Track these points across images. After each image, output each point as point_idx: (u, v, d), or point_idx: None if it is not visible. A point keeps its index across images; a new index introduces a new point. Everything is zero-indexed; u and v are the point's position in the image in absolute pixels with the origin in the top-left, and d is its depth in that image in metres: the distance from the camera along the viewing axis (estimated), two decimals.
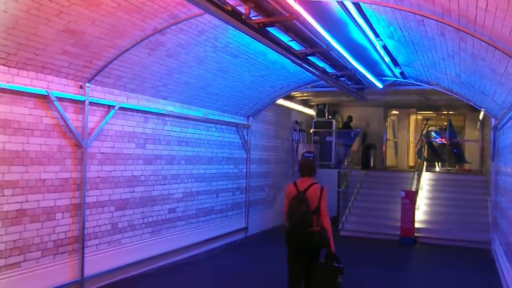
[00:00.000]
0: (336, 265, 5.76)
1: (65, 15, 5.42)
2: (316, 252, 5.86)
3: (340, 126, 17.28)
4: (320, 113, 16.73)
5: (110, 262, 7.53)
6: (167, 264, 8.84)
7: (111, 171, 7.58)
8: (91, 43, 6.18)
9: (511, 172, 7.54)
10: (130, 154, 7.97)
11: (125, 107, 7.74)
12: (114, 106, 7.45)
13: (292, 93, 13.04)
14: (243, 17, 5.71)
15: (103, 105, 7.30)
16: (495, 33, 4.79)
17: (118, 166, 7.73)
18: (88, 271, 7.06)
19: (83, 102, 6.90)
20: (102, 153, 7.39)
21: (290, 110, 14.91)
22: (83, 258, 6.97)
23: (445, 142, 18.19)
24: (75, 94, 6.78)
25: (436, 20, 5.41)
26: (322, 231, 5.70)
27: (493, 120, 10.44)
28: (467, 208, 12.72)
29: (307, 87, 11.93)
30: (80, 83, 6.84)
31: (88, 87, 6.92)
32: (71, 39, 5.91)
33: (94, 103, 7.11)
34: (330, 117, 16.76)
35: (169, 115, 8.89)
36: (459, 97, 10.36)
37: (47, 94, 6.28)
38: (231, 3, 5.51)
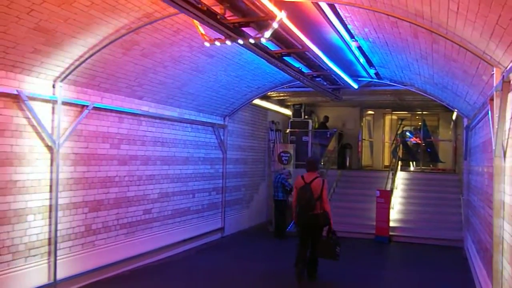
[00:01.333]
0: (335, 238, 7.76)
1: (36, 13, 5.32)
2: (320, 229, 7.77)
3: (317, 126, 17.38)
4: (296, 113, 16.79)
5: (83, 264, 7.42)
6: (142, 265, 8.76)
7: (84, 172, 7.46)
8: (64, 41, 6.08)
9: (482, 171, 7.69)
10: (104, 154, 7.86)
11: (99, 107, 7.64)
12: (87, 106, 7.34)
13: (269, 93, 13.06)
14: (218, 17, 5.69)
15: (76, 104, 7.18)
16: (466, 35, 4.87)
17: (92, 167, 7.62)
18: (61, 273, 6.94)
19: (55, 101, 6.78)
20: (76, 153, 7.27)
21: (266, 110, 14.93)
22: (55, 260, 6.84)
23: (420, 141, 18.45)
24: (47, 93, 6.65)
25: (409, 22, 5.48)
26: (324, 213, 7.67)
27: (465, 120, 10.64)
28: (440, 207, 12.94)
29: (283, 87, 11.97)
30: (52, 83, 6.72)
31: (60, 86, 6.80)
32: (42, 38, 5.80)
33: (67, 102, 6.99)
34: (306, 117, 16.84)
35: (144, 115, 8.81)
36: (432, 97, 10.53)
37: (17, 93, 6.15)
38: (206, 2, 5.48)
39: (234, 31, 6.07)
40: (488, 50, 4.82)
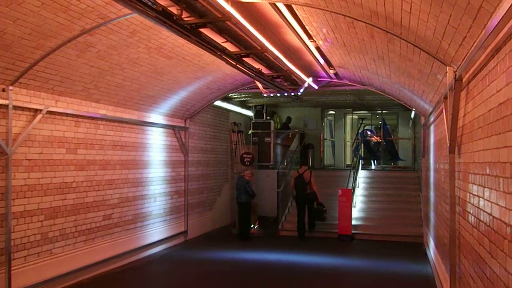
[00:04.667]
0: (321, 208, 12.24)
1: None
2: (311, 202, 12.21)
3: (279, 126, 17.43)
4: (258, 114, 16.78)
5: (40, 274, 7.17)
6: (103, 273, 8.53)
7: (39, 178, 7.22)
8: (13, 43, 5.85)
9: (438, 168, 7.87)
10: (60, 160, 7.63)
11: (54, 111, 7.40)
12: (41, 110, 7.10)
13: (230, 95, 13.01)
14: (174, 17, 5.61)
15: (29, 109, 6.94)
16: (420, 35, 4.96)
17: (47, 173, 7.37)
18: (16, 284, 6.69)
19: (6, 106, 6.52)
20: (29, 159, 7.02)
21: (228, 111, 14.87)
22: (9, 271, 6.58)
23: (380, 140, 18.75)
24: None
25: (364, 22, 5.54)
26: (312, 192, 12.23)
27: (423, 118, 10.88)
28: (401, 204, 13.22)
29: (244, 88, 11.92)
30: (2, 86, 6.46)
31: (11, 90, 6.54)
32: None
33: (19, 107, 6.74)
34: (268, 118, 16.85)
35: (102, 119, 8.60)
36: (391, 97, 10.71)
37: None
38: (162, 3, 5.39)
39: (274, 84, 9.66)
40: (441, 49, 4.92)
